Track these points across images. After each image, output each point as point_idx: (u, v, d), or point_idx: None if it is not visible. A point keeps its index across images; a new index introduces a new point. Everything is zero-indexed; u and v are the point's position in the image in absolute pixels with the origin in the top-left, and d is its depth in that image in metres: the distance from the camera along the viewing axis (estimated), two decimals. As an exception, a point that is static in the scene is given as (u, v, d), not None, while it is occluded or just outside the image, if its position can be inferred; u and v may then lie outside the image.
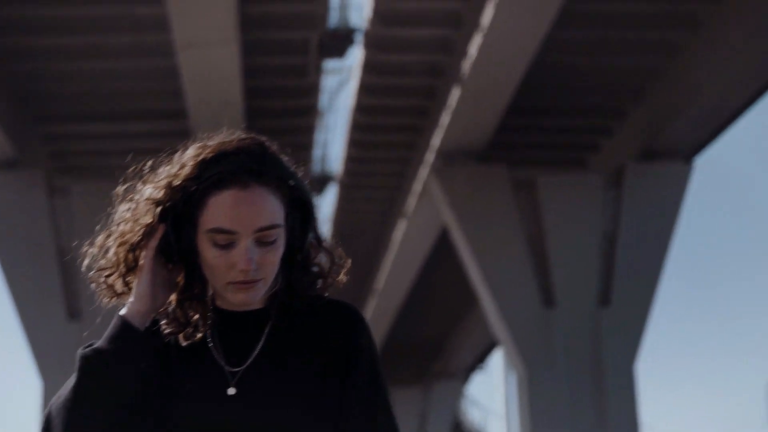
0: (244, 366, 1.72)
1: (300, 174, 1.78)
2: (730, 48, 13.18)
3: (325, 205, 19.47)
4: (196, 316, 1.73)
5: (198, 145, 1.75)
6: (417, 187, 17.29)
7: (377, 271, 21.18)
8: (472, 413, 29.38)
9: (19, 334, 15.69)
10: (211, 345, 1.74)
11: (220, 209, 1.68)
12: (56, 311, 15.69)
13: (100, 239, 1.82)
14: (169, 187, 1.72)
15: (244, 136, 1.77)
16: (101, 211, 1.88)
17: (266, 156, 1.73)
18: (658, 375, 42.49)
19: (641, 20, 13.53)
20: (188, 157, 1.74)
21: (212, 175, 1.69)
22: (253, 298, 1.72)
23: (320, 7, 13.19)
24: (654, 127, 15.43)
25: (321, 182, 18.32)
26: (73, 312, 15.74)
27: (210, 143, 1.75)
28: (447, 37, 13.65)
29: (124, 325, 1.69)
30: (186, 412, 1.69)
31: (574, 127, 16.37)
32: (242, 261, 1.68)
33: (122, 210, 1.80)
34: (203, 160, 1.72)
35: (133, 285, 1.73)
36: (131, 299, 1.72)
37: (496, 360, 20.86)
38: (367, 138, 16.76)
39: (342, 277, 1.82)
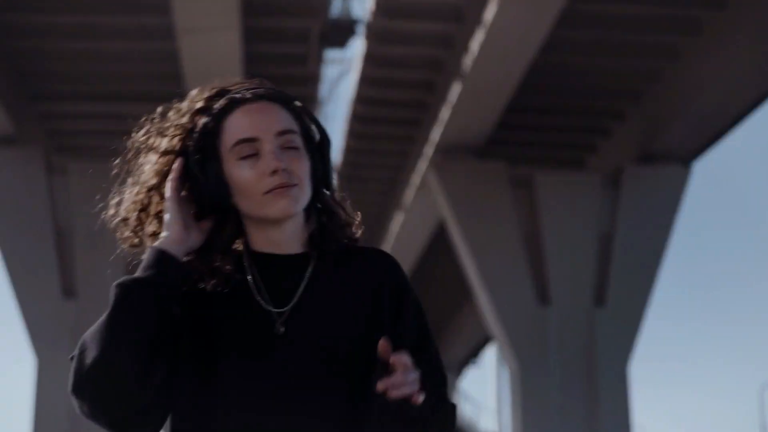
0: (290, 305, 1.70)
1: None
2: (731, 53, 13.18)
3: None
4: (228, 266, 1.71)
5: (196, 90, 1.80)
6: (415, 180, 17.29)
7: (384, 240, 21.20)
8: (464, 407, 29.42)
9: (14, 311, 15.70)
10: (253, 289, 1.71)
11: (237, 124, 1.71)
12: (51, 289, 15.69)
13: (117, 197, 1.81)
14: (180, 127, 1.75)
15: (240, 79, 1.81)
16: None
17: (267, 85, 1.78)
18: (652, 376, 42.58)
19: (643, 23, 13.53)
20: (191, 99, 1.79)
21: (221, 103, 1.74)
22: (293, 206, 1.70)
23: (324, -4, 13.18)
24: (653, 129, 15.43)
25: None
26: (69, 290, 15.75)
27: (208, 86, 1.80)
28: (449, 32, 13.64)
29: (159, 252, 1.67)
30: (235, 353, 1.67)
31: (574, 127, 16.37)
32: (271, 162, 1.68)
33: (138, 163, 1.80)
34: (208, 97, 1.77)
35: (163, 219, 1.71)
36: (163, 232, 1.70)
37: (489, 355, 20.87)
38: (367, 129, 16.75)
39: (357, 229, 1.83)
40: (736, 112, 14.74)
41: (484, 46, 12.43)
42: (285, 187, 1.69)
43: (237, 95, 1.75)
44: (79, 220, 15.16)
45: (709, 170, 46.21)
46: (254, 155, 1.70)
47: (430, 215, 17.50)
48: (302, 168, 1.72)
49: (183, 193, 1.72)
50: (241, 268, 1.73)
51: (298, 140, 1.74)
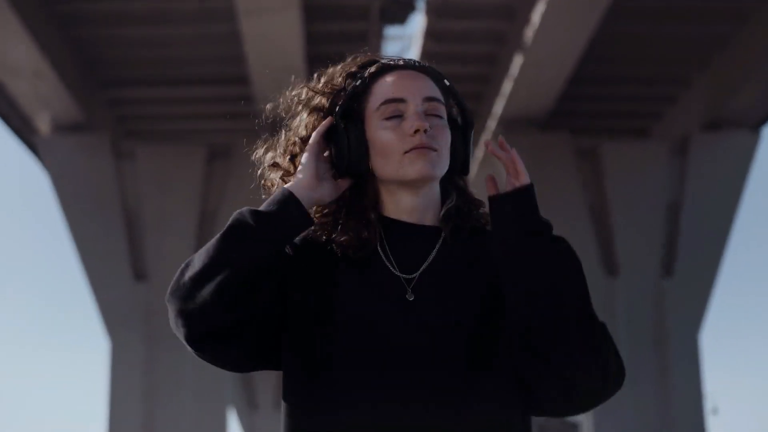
0: (419, 272, 1.71)
1: None
2: (800, 15, 12.90)
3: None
4: (361, 229, 1.72)
5: (350, 57, 1.82)
6: (479, 154, 17.22)
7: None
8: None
9: (87, 295, 16.01)
10: (381, 254, 1.73)
11: (386, 86, 1.74)
12: (123, 272, 15.96)
13: (268, 144, 1.84)
14: (331, 86, 1.77)
15: None
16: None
17: (416, 61, 1.80)
18: (723, 346, 42.06)
19: (709, -14, 13.29)
20: (344, 64, 1.80)
21: (373, 68, 1.76)
22: (431, 169, 1.72)
23: (383, -27, 13.16)
24: (720, 95, 15.17)
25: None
26: (140, 273, 16.01)
27: (362, 55, 1.82)
28: (510, 4, 13.54)
29: (285, 191, 1.70)
30: (363, 316, 1.67)
31: (638, 96, 16.16)
32: (415, 122, 1.70)
33: (291, 117, 1.83)
34: (361, 63, 1.79)
35: (299, 163, 1.75)
36: (297, 175, 1.73)
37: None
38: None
39: (486, 214, 1.83)
40: (805, 75, 14.44)
41: (545, 17, 12.32)
42: (426, 148, 1.71)
43: (389, 62, 1.78)
44: (147, 204, 15.40)
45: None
46: (399, 116, 1.72)
47: (494, 189, 17.43)
48: (444, 137, 1.75)
49: (326, 153, 1.75)
50: (373, 233, 1.73)
51: (443, 111, 1.77)
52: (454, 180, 1.83)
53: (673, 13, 13.75)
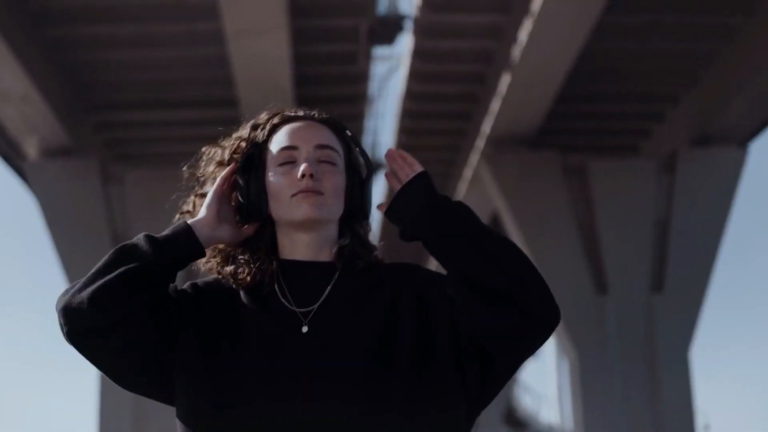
0: (315, 306, 1.78)
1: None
2: (785, 31, 12.98)
3: (376, 193, 19.52)
4: (259, 269, 1.82)
5: (262, 113, 1.95)
6: (467, 173, 17.26)
7: (427, 258, 21.17)
8: (524, 399, 29.31)
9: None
10: (278, 292, 1.81)
11: (282, 135, 1.86)
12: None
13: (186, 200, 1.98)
14: (237, 139, 1.90)
15: None
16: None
17: (325, 113, 1.93)
18: (714, 362, 42.06)
19: (695, 4, 13.36)
20: (257, 117, 1.93)
21: (275, 119, 1.89)
22: (315, 211, 1.80)
23: (370, -6, 13.20)
24: (707, 112, 15.24)
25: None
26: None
27: (271, 110, 1.94)
28: (496, 23, 13.59)
29: (182, 222, 1.83)
30: (258, 349, 1.74)
31: (626, 113, 16.22)
32: (303, 167, 1.80)
33: (202, 172, 1.97)
34: (267, 116, 1.92)
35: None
36: (199, 213, 1.85)
37: (549, 346, 20.77)
38: (417, 125, 16.75)
39: (381, 255, 1.93)
40: (791, 90, 14.52)
41: (532, 36, 12.37)
42: (310, 191, 1.79)
43: (290, 114, 1.90)
44: (136, 228, 15.36)
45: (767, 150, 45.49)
46: (292, 162, 1.83)
47: (484, 208, 17.47)
48: (333, 182, 1.83)
49: (233, 199, 1.87)
50: (268, 274, 1.83)
51: (336, 158, 1.86)
52: (352, 224, 1.88)
53: (659, 30, 13.83)
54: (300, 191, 1.79)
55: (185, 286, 1.85)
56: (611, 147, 16.92)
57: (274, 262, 1.84)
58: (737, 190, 15.94)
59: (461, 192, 17.77)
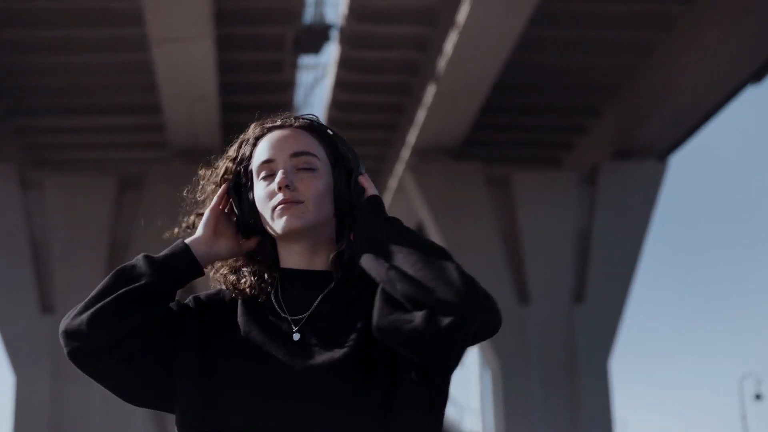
0: (306, 314, 1.81)
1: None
2: (704, 47, 13.26)
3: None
4: (259, 283, 1.86)
5: (251, 125, 1.96)
6: (392, 183, 17.31)
7: (352, 267, 21.13)
8: (447, 409, 29.43)
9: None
10: (274, 301, 1.84)
11: (261, 148, 1.88)
12: (29, 305, 15.59)
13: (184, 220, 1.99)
14: (227, 158, 1.92)
15: None
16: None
17: (309, 117, 1.96)
18: (632, 371, 42.74)
19: (616, 20, 13.59)
20: (245, 132, 1.94)
21: (257, 132, 1.90)
22: (294, 221, 1.81)
23: (296, 3, 13.17)
24: (628, 126, 15.51)
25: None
26: (47, 306, 15.65)
27: (261, 121, 1.96)
28: (423, 35, 13.66)
29: (180, 242, 1.85)
30: (250, 355, 1.77)
31: (549, 126, 16.42)
32: (278, 179, 1.81)
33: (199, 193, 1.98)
34: (250, 131, 1.92)
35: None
36: (196, 231, 1.88)
37: (472, 356, 20.93)
38: (343, 134, 16.69)
39: None
40: (710, 104, 14.84)
41: (457, 48, 12.46)
42: (288, 203, 1.80)
43: (269, 125, 1.90)
44: (56, 235, 15.07)
45: (686, 164, 46.52)
46: (272, 176, 1.84)
47: (408, 218, 17.52)
48: (312, 187, 1.84)
49: (233, 217, 1.90)
50: (267, 283, 1.87)
51: (315, 162, 1.88)
52: (350, 222, 1.88)
53: (581, 45, 14.04)
54: (279, 203, 1.81)
55: (188, 300, 1.90)
56: (534, 159, 17.11)
57: (275, 273, 1.88)
58: (657, 203, 16.23)
59: (386, 202, 17.78)
